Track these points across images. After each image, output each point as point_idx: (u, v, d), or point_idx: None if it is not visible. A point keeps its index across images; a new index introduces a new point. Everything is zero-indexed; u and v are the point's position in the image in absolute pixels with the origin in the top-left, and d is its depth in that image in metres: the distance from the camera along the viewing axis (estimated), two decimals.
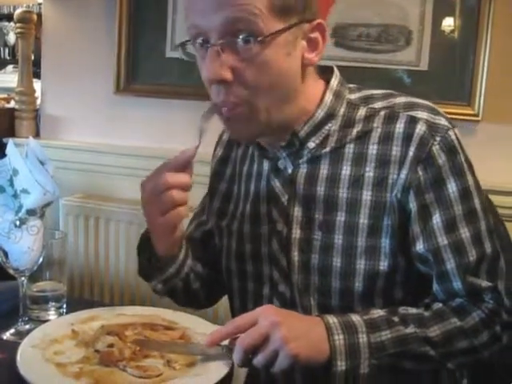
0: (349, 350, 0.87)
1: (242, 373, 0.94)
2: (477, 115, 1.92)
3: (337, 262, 0.99)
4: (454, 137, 0.97)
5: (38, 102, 2.58)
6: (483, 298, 0.96)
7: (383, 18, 1.99)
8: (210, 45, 0.91)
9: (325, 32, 0.97)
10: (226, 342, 0.91)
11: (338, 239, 0.99)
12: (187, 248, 1.14)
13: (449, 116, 1.01)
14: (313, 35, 0.96)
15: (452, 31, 1.94)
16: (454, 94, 1.95)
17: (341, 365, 0.87)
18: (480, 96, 1.91)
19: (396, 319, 0.92)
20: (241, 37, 0.89)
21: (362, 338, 0.88)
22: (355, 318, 0.91)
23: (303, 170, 1.02)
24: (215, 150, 1.22)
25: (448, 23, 1.95)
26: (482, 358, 0.96)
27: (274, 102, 0.95)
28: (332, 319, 0.89)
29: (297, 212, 1.03)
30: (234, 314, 1.17)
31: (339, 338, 0.87)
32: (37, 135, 2.52)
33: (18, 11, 2.51)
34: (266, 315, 0.86)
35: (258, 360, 0.85)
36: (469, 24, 1.91)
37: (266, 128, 0.98)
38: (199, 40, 0.94)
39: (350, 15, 2.01)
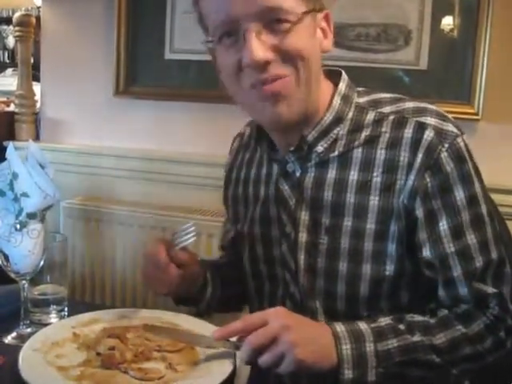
0: (356, 359, 0.87)
1: (244, 375, 0.94)
2: (477, 114, 1.92)
3: (343, 266, 0.99)
4: (462, 144, 0.96)
5: (38, 105, 2.58)
6: (488, 304, 0.96)
7: (382, 18, 1.99)
8: (246, 29, 0.91)
9: (331, 22, 1.01)
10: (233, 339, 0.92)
11: (345, 243, 0.99)
12: (215, 283, 1.19)
13: (449, 115, 1.01)
14: (323, 25, 1.00)
15: (451, 30, 1.94)
16: (454, 92, 1.95)
17: (348, 373, 0.87)
18: (480, 95, 1.91)
19: (402, 327, 0.92)
20: (276, 18, 0.91)
21: (370, 347, 0.88)
22: (363, 326, 0.91)
23: (311, 173, 1.03)
24: (227, 159, 1.26)
25: (447, 22, 1.94)
26: (486, 363, 0.96)
27: (311, 78, 0.96)
28: (340, 327, 0.90)
29: (304, 216, 1.03)
30: None
31: (347, 348, 0.88)
32: (37, 138, 2.52)
33: (17, 15, 2.51)
34: (277, 317, 0.87)
35: (264, 360, 0.85)
36: (468, 23, 1.91)
37: (304, 107, 0.98)
38: (226, 36, 0.94)
39: (348, 15, 2.00)
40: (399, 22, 1.97)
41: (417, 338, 0.91)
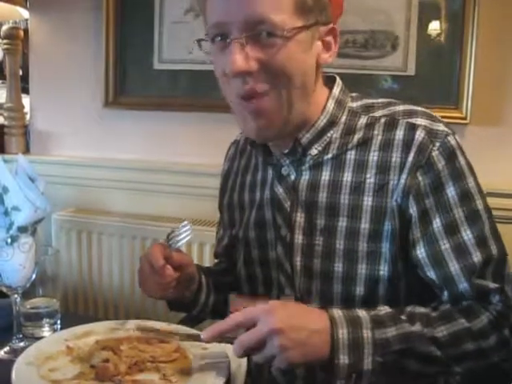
0: (352, 343, 0.85)
1: (239, 382, 0.94)
2: (465, 118, 1.94)
3: (338, 266, 1.00)
4: (453, 142, 0.98)
5: (28, 117, 2.57)
6: (491, 299, 0.94)
7: (369, 25, 2.00)
8: (232, 38, 0.92)
9: (337, 37, 1.01)
10: None
11: (340, 244, 1.00)
12: (209, 288, 1.20)
13: (439, 117, 1.02)
14: (327, 38, 1.00)
15: (438, 35, 1.96)
16: (442, 97, 1.96)
17: (343, 358, 0.85)
18: (468, 99, 1.93)
19: (403, 317, 0.90)
20: (264, 31, 0.91)
21: (367, 333, 0.86)
22: (361, 313, 0.89)
23: (306, 176, 1.04)
24: (223, 166, 1.27)
25: (434, 27, 1.96)
26: (490, 362, 0.94)
27: (294, 95, 0.96)
28: (337, 313, 0.88)
29: (299, 218, 1.04)
30: None
31: (343, 332, 0.86)
32: (27, 151, 2.51)
33: (5, 27, 2.50)
34: (266, 319, 0.84)
35: (256, 358, 0.86)
36: (454, 28, 1.93)
37: (286, 124, 0.98)
38: (218, 38, 0.95)
39: None
40: (386, 29, 1.99)
41: (416, 327, 0.89)
